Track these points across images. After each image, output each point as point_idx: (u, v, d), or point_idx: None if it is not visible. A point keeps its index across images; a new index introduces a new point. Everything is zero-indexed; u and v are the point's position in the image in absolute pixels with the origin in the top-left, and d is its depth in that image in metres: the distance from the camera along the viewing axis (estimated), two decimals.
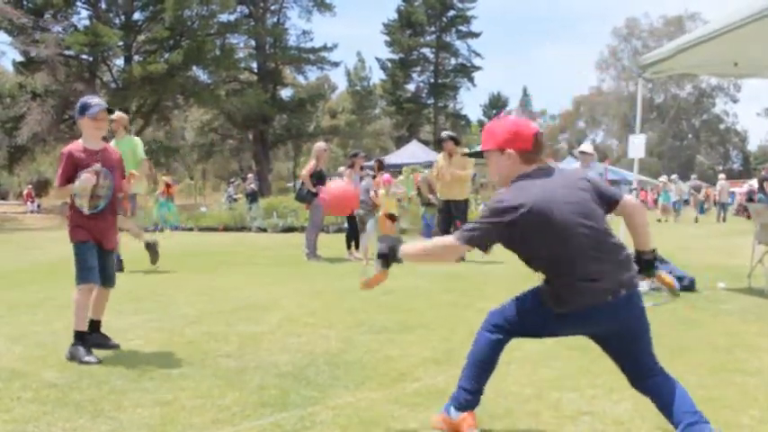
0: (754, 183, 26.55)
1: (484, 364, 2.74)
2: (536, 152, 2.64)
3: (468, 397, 2.74)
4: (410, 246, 2.74)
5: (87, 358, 3.84)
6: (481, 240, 2.57)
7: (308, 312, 5.46)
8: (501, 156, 2.65)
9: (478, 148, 2.83)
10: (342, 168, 13.91)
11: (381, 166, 11.40)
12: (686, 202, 26.25)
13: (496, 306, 2.83)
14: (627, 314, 2.52)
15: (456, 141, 9.78)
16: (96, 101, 4.15)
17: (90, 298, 4.09)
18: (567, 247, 2.47)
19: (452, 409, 2.76)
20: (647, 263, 2.70)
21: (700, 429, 2.39)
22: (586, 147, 9.34)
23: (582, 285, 2.47)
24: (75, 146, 4.10)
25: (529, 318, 2.67)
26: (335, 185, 8.79)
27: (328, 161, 14.37)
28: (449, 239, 2.63)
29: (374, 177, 10.24)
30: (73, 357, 3.88)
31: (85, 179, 3.95)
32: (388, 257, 2.73)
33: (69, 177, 4.01)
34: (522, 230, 2.48)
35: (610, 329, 2.56)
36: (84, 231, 4.03)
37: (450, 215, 9.58)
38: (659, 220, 23.37)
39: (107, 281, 4.20)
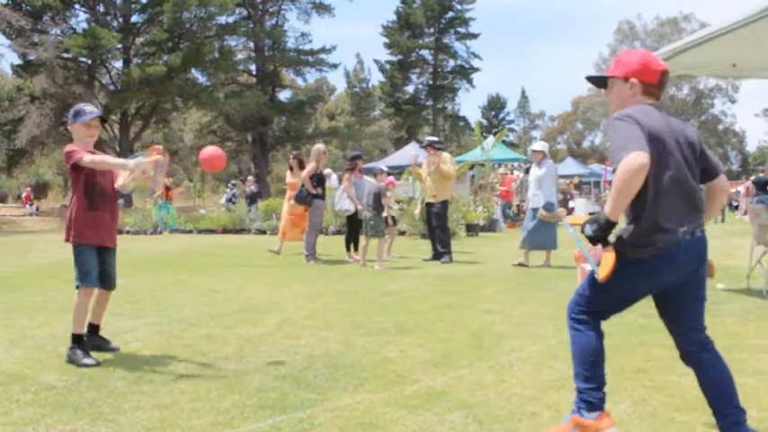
0: (741, 189, 26.44)
1: (589, 357, 2.66)
2: (659, 88, 2.68)
3: (595, 394, 2.64)
4: (607, 205, 2.51)
5: (85, 360, 3.84)
6: (641, 141, 2.40)
7: (307, 314, 5.46)
8: (624, 84, 2.68)
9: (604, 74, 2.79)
10: (328, 170, 13.84)
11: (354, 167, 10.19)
12: None
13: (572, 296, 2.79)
14: (700, 257, 2.59)
15: (434, 147, 9.97)
16: (90, 108, 4.15)
17: (90, 301, 4.10)
18: (664, 181, 2.49)
19: (584, 412, 2.64)
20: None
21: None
22: (537, 145, 9.41)
23: (665, 222, 2.49)
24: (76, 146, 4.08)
25: (609, 285, 2.58)
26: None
27: (327, 163, 14.34)
28: (626, 160, 2.36)
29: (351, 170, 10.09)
30: (71, 360, 3.88)
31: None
32: (604, 234, 2.53)
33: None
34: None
35: (682, 276, 2.59)
36: (86, 233, 4.02)
37: (430, 217, 9.83)
38: None
39: (108, 283, 4.19)
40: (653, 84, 2.65)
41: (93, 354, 3.99)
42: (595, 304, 2.69)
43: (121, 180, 4.08)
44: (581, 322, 2.70)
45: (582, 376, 2.66)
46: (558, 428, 2.75)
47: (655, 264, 2.52)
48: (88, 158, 3.90)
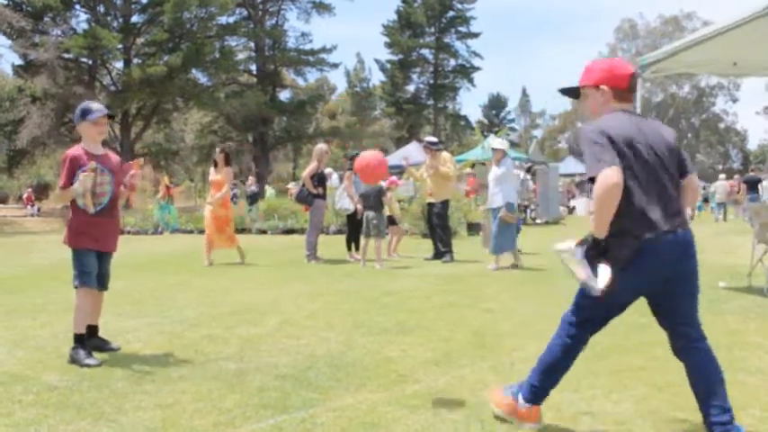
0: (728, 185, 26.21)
1: (552, 367, 2.80)
2: (629, 91, 2.74)
3: (534, 394, 2.82)
4: (593, 225, 2.60)
5: (88, 361, 3.85)
6: (612, 156, 2.49)
7: (308, 314, 5.46)
8: (596, 92, 2.75)
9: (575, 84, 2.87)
10: (329, 170, 13.75)
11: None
12: None
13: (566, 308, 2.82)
14: (685, 254, 2.60)
15: (431, 148, 9.91)
16: (97, 106, 4.19)
17: (90, 301, 4.11)
18: (637, 185, 2.54)
19: (521, 397, 2.85)
20: None
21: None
22: (496, 143, 9.07)
23: (643, 224, 2.53)
24: (77, 150, 4.10)
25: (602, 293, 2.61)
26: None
27: (328, 162, 14.31)
28: (601, 178, 2.46)
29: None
30: (74, 361, 3.88)
31: (84, 178, 3.96)
32: (592, 253, 2.61)
33: (72, 180, 4.01)
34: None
35: (668, 273, 2.60)
36: (85, 238, 4.04)
37: (431, 217, 9.87)
38: None
39: (102, 284, 4.21)
40: (623, 88, 2.72)
41: (94, 354, 4.00)
42: (589, 312, 2.72)
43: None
44: (569, 334, 2.75)
45: (538, 372, 2.82)
46: (498, 393, 2.95)
47: (639, 264, 2.56)
48: (61, 190, 4.04)
